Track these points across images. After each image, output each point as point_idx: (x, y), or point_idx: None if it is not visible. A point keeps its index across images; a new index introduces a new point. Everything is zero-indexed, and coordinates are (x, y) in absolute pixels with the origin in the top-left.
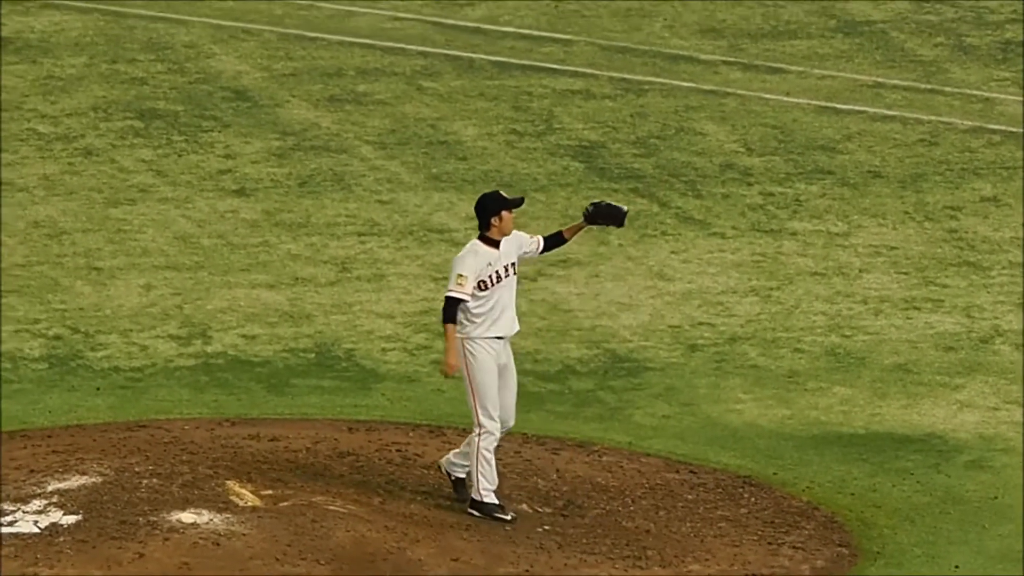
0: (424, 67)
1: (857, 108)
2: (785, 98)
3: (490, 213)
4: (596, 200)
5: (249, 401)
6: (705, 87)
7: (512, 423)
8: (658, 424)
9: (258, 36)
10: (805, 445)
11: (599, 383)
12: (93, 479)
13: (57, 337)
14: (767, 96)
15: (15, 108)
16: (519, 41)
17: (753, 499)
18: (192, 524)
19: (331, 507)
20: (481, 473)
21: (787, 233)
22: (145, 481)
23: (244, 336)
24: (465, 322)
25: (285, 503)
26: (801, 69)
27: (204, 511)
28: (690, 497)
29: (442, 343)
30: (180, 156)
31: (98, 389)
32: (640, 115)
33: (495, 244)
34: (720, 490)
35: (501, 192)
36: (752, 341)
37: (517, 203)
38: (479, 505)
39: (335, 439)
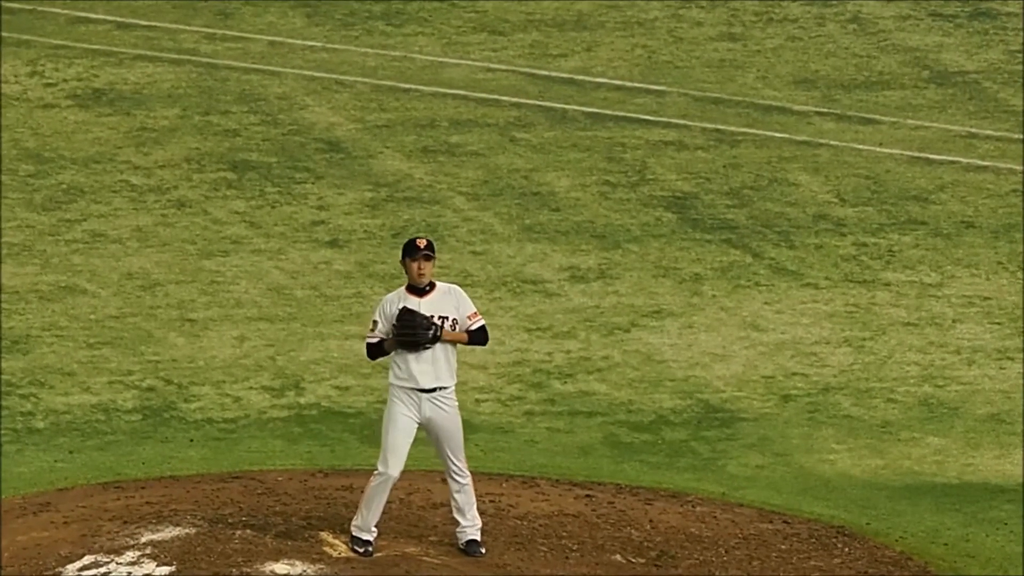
0: (517, 118)
1: (950, 158)
2: (878, 148)
3: (402, 261)
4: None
5: (343, 452)
6: (798, 138)
7: (455, 467)
8: (751, 474)
9: (351, 87)
10: (898, 495)
11: (692, 433)
12: (186, 530)
13: (150, 389)
14: (860, 147)
15: (108, 160)
16: (612, 92)
17: (847, 549)
18: (285, 575)
19: (424, 558)
20: (362, 505)
21: (880, 283)
22: (238, 532)
23: (337, 387)
24: (391, 367)
25: (378, 554)
26: (894, 120)
27: (297, 562)
28: (784, 547)
29: (535, 393)
30: (273, 207)
31: (191, 440)
32: (733, 166)
33: (418, 292)
34: (814, 540)
35: (416, 239)
36: (845, 391)
37: (411, 251)
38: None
39: (428, 490)
